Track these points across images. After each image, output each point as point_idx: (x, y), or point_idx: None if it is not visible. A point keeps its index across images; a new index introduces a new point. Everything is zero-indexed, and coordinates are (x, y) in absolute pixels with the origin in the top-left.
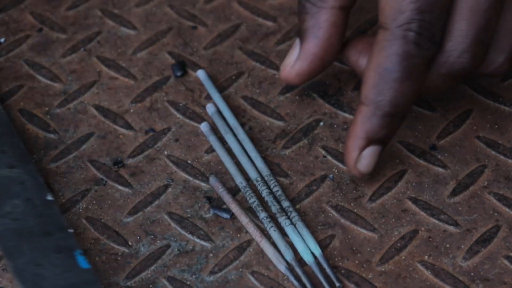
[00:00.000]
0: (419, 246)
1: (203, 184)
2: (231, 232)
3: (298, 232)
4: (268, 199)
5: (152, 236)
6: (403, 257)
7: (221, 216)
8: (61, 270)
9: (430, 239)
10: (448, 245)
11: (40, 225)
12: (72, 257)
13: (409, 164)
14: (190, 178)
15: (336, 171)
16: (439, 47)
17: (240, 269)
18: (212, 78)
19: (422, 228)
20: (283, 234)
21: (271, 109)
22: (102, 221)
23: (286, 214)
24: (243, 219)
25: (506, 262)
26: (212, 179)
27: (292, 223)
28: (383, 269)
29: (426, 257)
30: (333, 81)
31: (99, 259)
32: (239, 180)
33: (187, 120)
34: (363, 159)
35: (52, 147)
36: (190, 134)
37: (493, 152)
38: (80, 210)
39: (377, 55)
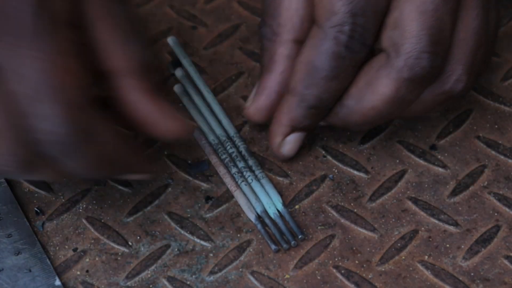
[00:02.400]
0: (419, 246)
1: (203, 184)
2: (231, 232)
3: (263, 187)
4: (235, 157)
5: (152, 236)
6: (403, 257)
7: (201, 169)
8: None
9: (430, 239)
10: (448, 245)
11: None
12: None
13: (409, 164)
14: (190, 178)
15: (336, 171)
16: (370, 49)
17: (240, 269)
18: (210, 75)
19: (422, 228)
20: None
21: None
22: (102, 221)
23: (252, 171)
24: (221, 169)
25: (506, 262)
26: (196, 132)
27: (257, 179)
28: (383, 269)
29: (426, 257)
30: None
31: (99, 259)
32: (211, 138)
33: (187, 120)
34: (287, 144)
35: None
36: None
37: (493, 152)
38: (80, 210)
39: (308, 50)
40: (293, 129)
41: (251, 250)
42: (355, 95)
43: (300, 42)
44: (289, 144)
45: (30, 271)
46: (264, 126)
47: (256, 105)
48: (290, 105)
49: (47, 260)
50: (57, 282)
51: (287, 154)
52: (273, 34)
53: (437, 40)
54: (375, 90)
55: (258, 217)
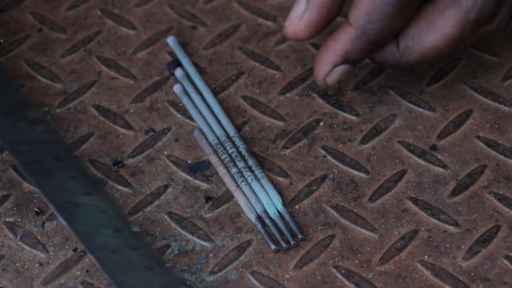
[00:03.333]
0: (419, 246)
1: (203, 184)
2: (231, 232)
3: (263, 188)
4: (235, 157)
5: (152, 236)
6: (403, 257)
7: (201, 169)
8: None
9: (430, 239)
10: (448, 245)
11: (139, 259)
12: None
13: (409, 164)
14: (190, 178)
15: (336, 171)
16: None
17: (240, 269)
18: (210, 75)
19: (422, 228)
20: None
21: (271, 109)
22: None
23: (251, 171)
24: (221, 169)
25: (506, 262)
26: (196, 132)
27: (257, 179)
28: (383, 269)
29: (426, 257)
30: None
31: None
32: (211, 138)
33: (187, 120)
34: (334, 74)
35: None
36: (190, 134)
37: (493, 152)
38: None
39: None
40: (345, 61)
41: (251, 250)
42: (415, 34)
43: None
44: (336, 74)
45: (104, 212)
46: (264, 126)
47: (307, 20)
48: (349, 37)
49: (120, 208)
50: (135, 229)
51: (331, 83)
52: None
53: None
54: (439, 30)
55: (258, 217)
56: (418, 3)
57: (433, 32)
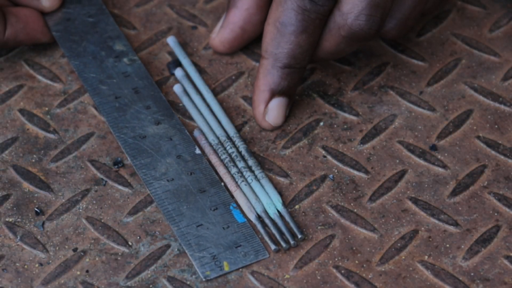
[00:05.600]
0: (419, 246)
1: None
2: None
3: (263, 188)
4: (235, 157)
5: (152, 236)
6: (403, 257)
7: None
8: (220, 227)
9: (430, 239)
10: (448, 245)
11: (194, 183)
12: (228, 212)
13: (409, 164)
14: None
15: (336, 171)
16: (334, 3)
17: (240, 269)
18: (210, 75)
19: (422, 228)
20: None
21: None
22: (102, 221)
23: (251, 171)
24: (221, 169)
25: (506, 262)
26: (196, 132)
27: (257, 179)
28: (383, 269)
29: (426, 257)
30: (333, 81)
31: (99, 259)
32: (211, 138)
33: (187, 120)
34: (270, 111)
35: (52, 147)
36: (190, 134)
37: (493, 152)
38: (80, 210)
39: (274, 10)
40: (272, 93)
41: None
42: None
43: None
44: (273, 111)
45: (171, 139)
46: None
47: (220, 37)
48: (265, 68)
49: (186, 131)
50: (197, 151)
51: (273, 122)
52: None
53: (377, 3)
54: (320, 44)
55: (258, 217)
56: (324, 19)
57: (319, 45)
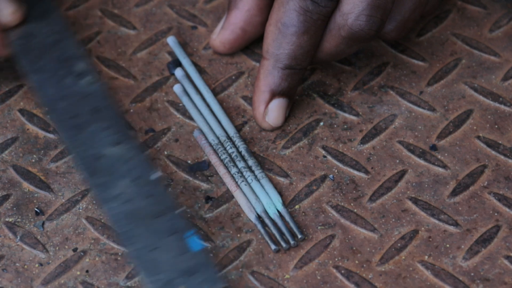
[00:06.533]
0: (419, 246)
1: (203, 184)
2: (231, 232)
3: (263, 188)
4: (235, 157)
5: None
6: (403, 257)
7: (201, 169)
8: (176, 253)
9: (430, 239)
10: (448, 245)
11: (151, 206)
12: (184, 239)
13: (409, 164)
14: (190, 178)
15: (336, 171)
16: (336, 4)
17: (240, 269)
18: (210, 75)
19: (422, 228)
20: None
21: None
22: (102, 221)
23: (251, 171)
24: (221, 169)
25: (506, 262)
26: (196, 132)
27: (257, 179)
28: (383, 269)
29: (426, 257)
30: (333, 81)
31: (99, 259)
32: (211, 138)
33: (187, 120)
34: (270, 112)
35: (52, 147)
36: (190, 134)
37: (493, 152)
38: (80, 210)
39: (276, 11)
40: (273, 94)
41: (251, 250)
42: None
43: None
44: (273, 111)
45: (128, 161)
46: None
47: (221, 38)
48: (266, 69)
49: (144, 154)
50: (155, 176)
51: (272, 122)
52: None
53: (378, 4)
54: (321, 45)
55: (258, 217)
56: (325, 20)
57: (319, 46)
